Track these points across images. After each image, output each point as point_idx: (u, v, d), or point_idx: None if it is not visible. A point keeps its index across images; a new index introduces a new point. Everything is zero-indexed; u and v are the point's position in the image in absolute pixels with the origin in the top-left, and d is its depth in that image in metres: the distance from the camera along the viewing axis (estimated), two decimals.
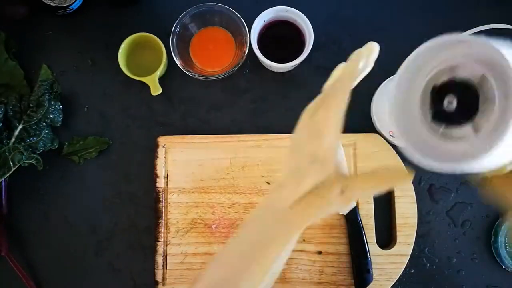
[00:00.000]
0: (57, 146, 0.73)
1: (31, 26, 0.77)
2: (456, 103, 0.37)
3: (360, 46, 0.75)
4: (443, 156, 0.37)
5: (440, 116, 0.37)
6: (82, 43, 0.77)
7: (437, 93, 0.38)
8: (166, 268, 0.71)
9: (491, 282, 0.72)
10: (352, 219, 0.70)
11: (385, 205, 0.72)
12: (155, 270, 0.70)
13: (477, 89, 0.36)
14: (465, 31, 0.66)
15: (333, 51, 0.76)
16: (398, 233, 0.70)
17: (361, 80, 0.81)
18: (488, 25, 0.69)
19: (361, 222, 0.70)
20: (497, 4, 0.76)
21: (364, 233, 0.70)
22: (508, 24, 0.72)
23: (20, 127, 0.70)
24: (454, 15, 0.76)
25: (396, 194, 0.70)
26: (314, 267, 0.70)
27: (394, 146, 0.72)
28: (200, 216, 0.71)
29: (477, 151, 0.35)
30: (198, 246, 0.71)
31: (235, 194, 0.72)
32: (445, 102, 0.37)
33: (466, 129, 0.37)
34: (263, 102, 0.75)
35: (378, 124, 0.72)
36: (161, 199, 0.72)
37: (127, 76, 0.72)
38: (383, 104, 0.72)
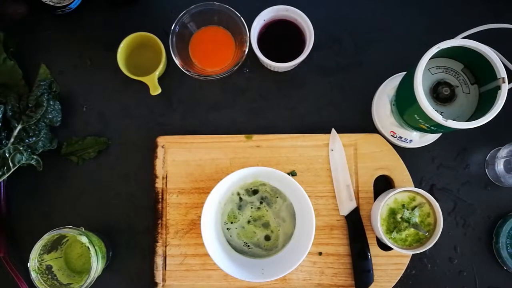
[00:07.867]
0: (56, 146, 0.73)
1: (29, 26, 0.76)
2: None
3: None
4: None
5: None
6: (81, 43, 0.76)
7: None
8: (166, 269, 0.70)
9: (492, 283, 0.72)
10: (353, 220, 0.70)
11: None
12: (154, 271, 0.70)
13: None
14: (464, 31, 0.66)
15: (333, 51, 0.75)
16: None
17: (362, 80, 0.81)
18: (488, 25, 0.68)
19: (362, 223, 0.70)
20: (496, 3, 0.76)
21: (365, 234, 0.69)
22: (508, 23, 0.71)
23: (19, 127, 0.70)
24: (454, 15, 0.76)
25: None
26: (315, 268, 0.70)
27: (395, 146, 0.71)
28: (199, 217, 0.71)
29: None
30: (197, 247, 0.70)
31: None
32: None
33: None
34: (263, 102, 0.75)
35: (379, 124, 0.72)
36: (160, 200, 0.71)
37: (126, 76, 0.71)
38: (384, 104, 0.71)
